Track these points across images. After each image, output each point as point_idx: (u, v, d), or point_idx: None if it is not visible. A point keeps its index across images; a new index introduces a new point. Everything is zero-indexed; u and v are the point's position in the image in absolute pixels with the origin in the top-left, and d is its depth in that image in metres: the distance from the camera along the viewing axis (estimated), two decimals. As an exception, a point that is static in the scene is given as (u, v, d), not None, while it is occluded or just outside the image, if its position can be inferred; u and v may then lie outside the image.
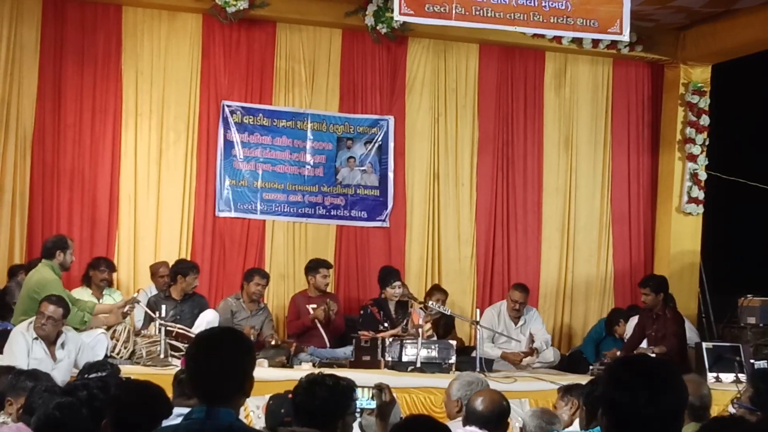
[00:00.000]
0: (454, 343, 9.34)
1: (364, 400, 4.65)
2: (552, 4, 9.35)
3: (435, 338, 9.65)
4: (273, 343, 9.46)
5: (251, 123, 11.09)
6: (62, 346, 7.87)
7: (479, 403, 5.17)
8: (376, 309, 9.95)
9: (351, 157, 11.41)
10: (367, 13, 10.94)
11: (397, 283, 10.03)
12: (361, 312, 10.11)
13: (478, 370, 8.73)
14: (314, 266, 10.24)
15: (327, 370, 5.35)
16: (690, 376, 6.67)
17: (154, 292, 9.98)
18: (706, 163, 12.05)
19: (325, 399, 4.34)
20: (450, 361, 9.01)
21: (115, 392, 4.06)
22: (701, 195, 12.04)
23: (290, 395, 4.99)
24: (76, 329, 8.28)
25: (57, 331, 7.85)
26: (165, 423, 3.85)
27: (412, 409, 8.30)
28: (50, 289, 8.24)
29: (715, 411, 7.01)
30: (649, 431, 2.72)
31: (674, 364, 3.34)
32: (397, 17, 9.36)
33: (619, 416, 2.74)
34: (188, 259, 10.43)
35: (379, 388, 4.75)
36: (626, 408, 2.72)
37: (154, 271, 10.27)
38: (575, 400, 6.01)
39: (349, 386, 4.53)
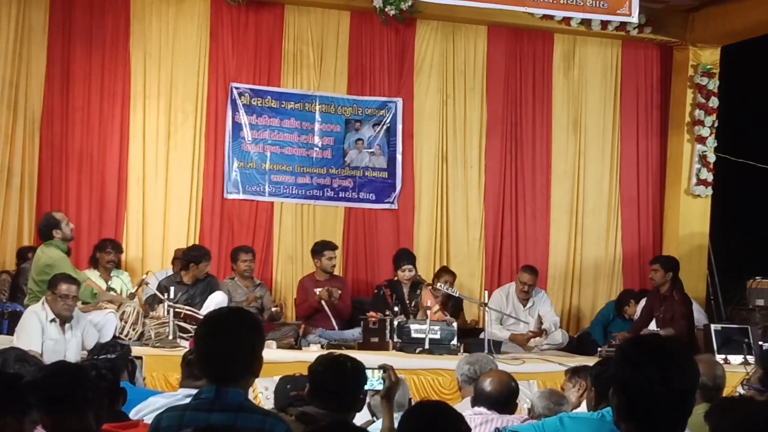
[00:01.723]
0: (455, 324, 9.36)
1: (375, 380, 4.63)
2: (561, -15, 9.35)
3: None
4: (274, 309, 9.49)
5: (259, 105, 11.08)
6: (71, 326, 7.84)
7: (488, 384, 5.16)
8: (388, 291, 9.95)
9: (359, 139, 11.39)
10: (375, -5, 10.92)
11: (408, 266, 10.02)
12: (375, 292, 10.14)
13: (486, 352, 8.73)
14: (319, 249, 10.22)
15: (336, 352, 5.34)
16: (704, 356, 6.68)
17: (165, 275, 9.92)
18: (715, 145, 12.00)
19: (351, 379, 4.35)
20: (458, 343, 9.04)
21: (35, 377, 3.99)
22: (710, 177, 12.00)
23: (300, 374, 5.00)
24: (86, 303, 8.30)
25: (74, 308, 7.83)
26: (174, 403, 3.84)
27: (420, 390, 8.31)
28: (60, 266, 8.25)
29: (723, 392, 7.02)
30: (661, 410, 2.70)
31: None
32: None
33: (630, 396, 2.73)
34: (197, 241, 10.44)
35: (384, 369, 4.73)
36: (637, 387, 2.70)
37: (179, 256, 10.14)
38: (583, 382, 6.00)
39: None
